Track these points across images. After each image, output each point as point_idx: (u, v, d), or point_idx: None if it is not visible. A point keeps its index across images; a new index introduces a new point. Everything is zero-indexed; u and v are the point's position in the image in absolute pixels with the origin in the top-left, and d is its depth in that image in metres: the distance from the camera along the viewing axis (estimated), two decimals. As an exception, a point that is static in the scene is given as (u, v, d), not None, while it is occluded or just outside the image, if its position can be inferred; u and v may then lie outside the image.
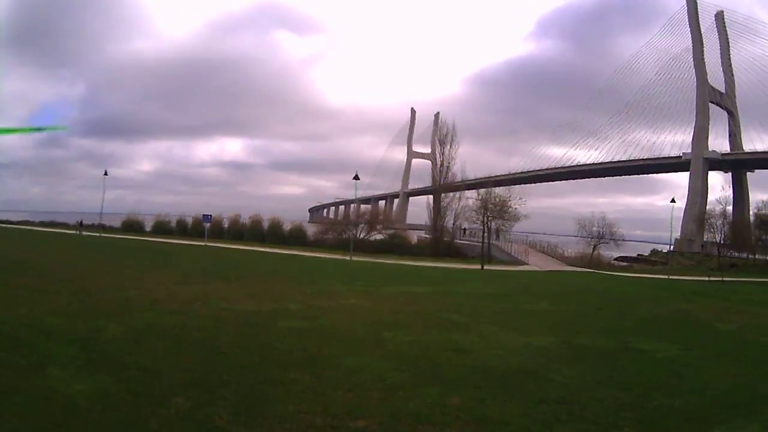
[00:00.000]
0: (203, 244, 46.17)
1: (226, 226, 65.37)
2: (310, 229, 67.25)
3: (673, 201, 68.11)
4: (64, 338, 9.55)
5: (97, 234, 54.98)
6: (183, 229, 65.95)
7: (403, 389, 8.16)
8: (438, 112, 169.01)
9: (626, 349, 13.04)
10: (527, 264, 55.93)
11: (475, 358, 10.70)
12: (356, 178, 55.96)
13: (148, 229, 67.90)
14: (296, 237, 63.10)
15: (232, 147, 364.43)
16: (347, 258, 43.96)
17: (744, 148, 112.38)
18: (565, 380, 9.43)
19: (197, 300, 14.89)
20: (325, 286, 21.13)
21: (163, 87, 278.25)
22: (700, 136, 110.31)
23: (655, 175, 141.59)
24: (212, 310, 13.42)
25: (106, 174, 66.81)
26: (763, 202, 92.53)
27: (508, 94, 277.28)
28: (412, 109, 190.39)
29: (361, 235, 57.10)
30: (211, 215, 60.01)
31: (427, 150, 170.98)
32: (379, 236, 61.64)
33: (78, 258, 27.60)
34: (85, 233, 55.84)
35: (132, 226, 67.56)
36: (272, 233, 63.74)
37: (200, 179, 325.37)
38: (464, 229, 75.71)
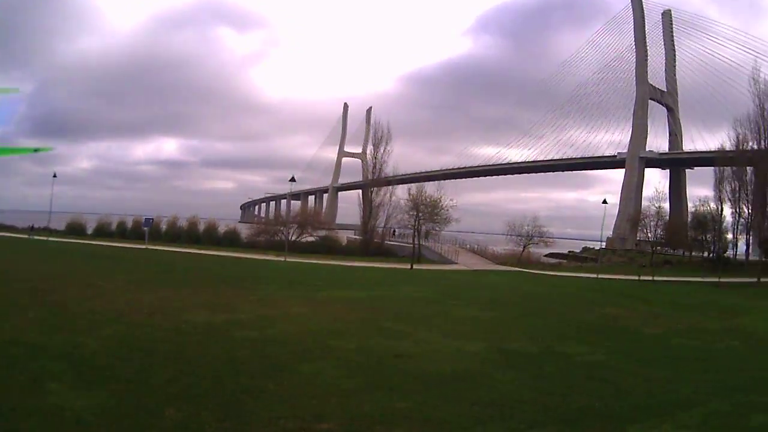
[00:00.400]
0: (144, 247, 45.92)
1: (164, 228, 65.07)
2: (243, 232, 67.30)
3: (604, 202, 67.87)
4: (50, 354, 9.96)
5: (45, 238, 54.90)
6: (123, 231, 65.59)
7: (355, 394, 8.89)
8: (370, 107, 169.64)
9: (552, 353, 13.69)
10: (456, 263, 56.35)
11: (413, 364, 11.38)
12: (292, 180, 56.43)
13: (90, 231, 67.54)
14: (230, 239, 63.63)
15: (168, 144, 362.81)
16: (282, 259, 44.32)
17: (684, 146, 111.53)
18: (495, 384, 10.18)
19: (156, 311, 15.26)
20: (269, 293, 21.51)
21: (106, 85, 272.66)
22: (638, 134, 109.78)
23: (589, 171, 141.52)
24: (172, 322, 13.88)
25: (55, 176, 66.30)
26: (700, 199, 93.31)
27: (443, 92, 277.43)
28: (345, 104, 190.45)
29: (293, 238, 57.36)
30: (152, 219, 60.31)
31: (359, 148, 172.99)
32: (310, 238, 61.78)
33: (39, 265, 27.48)
34: (35, 237, 55.88)
35: (75, 228, 67.13)
36: (208, 235, 64.16)
37: (137, 176, 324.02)
38: (394, 231, 75.62)
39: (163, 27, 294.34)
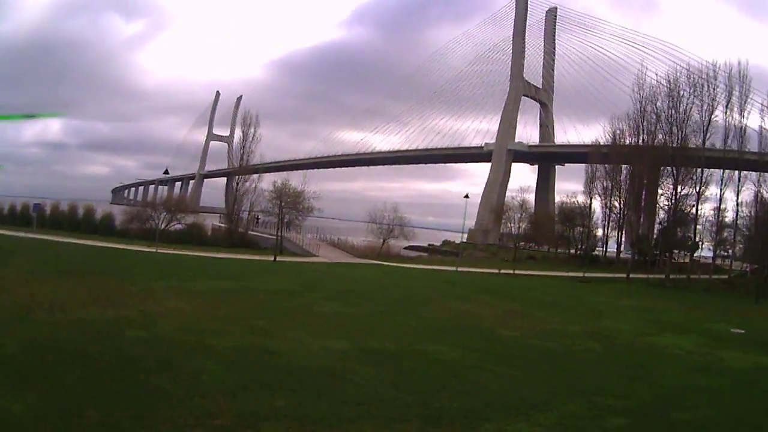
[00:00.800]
0: (32, 236, 44.13)
1: (48, 212, 64.88)
2: (118, 217, 66.79)
3: (467, 197, 66.37)
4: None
5: None
6: (13, 214, 65.17)
7: (240, 392, 9.29)
8: (240, 96, 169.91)
9: (412, 352, 13.92)
10: (317, 256, 56.91)
11: (286, 362, 11.75)
12: (166, 172, 56.89)
13: None
14: (106, 226, 63.79)
15: (54, 129, 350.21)
16: (153, 250, 44.23)
17: (556, 137, 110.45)
18: (360, 382, 10.59)
19: (56, 308, 15.35)
20: (149, 289, 21.49)
21: (4, 69, 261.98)
22: (507, 127, 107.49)
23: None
24: (71, 319, 14.07)
25: (-51, 159, 65.90)
26: (568, 195, 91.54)
27: (312, 79, 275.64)
28: (217, 92, 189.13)
29: (163, 225, 57.25)
30: (39, 204, 60.61)
31: (227, 134, 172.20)
32: (178, 226, 61.78)
33: None
34: None
35: None
36: (86, 221, 64.16)
37: (25, 159, 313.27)
38: (257, 218, 75.68)
39: (61, 12, 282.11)
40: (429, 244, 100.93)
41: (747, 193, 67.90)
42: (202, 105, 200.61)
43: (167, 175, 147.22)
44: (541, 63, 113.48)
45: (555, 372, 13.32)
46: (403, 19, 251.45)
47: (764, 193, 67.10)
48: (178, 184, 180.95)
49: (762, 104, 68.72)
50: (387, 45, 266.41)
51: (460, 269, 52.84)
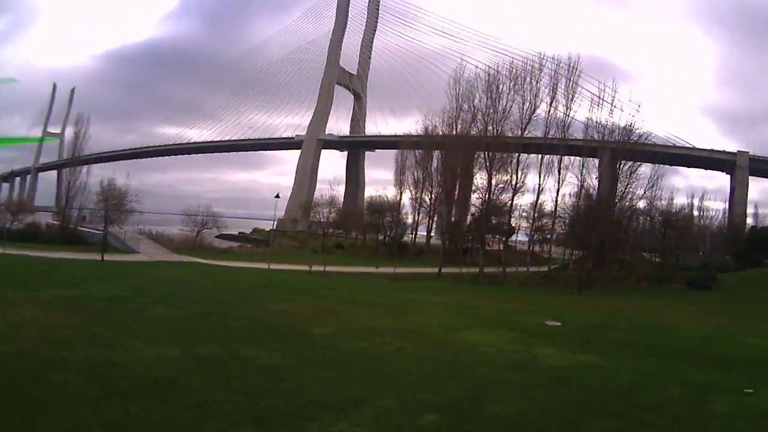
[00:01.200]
0: None
1: None
2: None
3: (277, 196, 65.52)
4: None
5: None
6: None
7: (100, 402, 9.40)
8: (73, 88, 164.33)
9: (236, 357, 13.64)
10: (139, 252, 58.75)
11: (128, 371, 11.61)
12: (11, 173, 56.10)
13: None
14: None
15: None
16: (2, 251, 43.29)
17: (369, 130, 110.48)
18: (196, 388, 10.48)
19: None
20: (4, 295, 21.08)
21: None
22: (319, 117, 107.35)
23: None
24: None
25: None
26: (377, 189, 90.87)
27: (140, 71, 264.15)
28: (53, 84, 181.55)
29: (7, 226, 58.03)
30: None
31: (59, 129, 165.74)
32: (20, 226, 62.48)
33: None
34: None
35: None
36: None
37: None
38: (84, 217, 75.72)
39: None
40: (239, 232, 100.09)
41: (569, 185, 65.02)
42: (44, 96, 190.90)
43: (5, 172, 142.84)
44: (359, 53, 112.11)
45: (367, 370, 13.05)
46: (227, 9, 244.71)
47: (589, 181, 64.99)
48: (18, 179, 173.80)
49: (593, 94, 68.07)
50: (211, 37, 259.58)
51: (272, 267, 52.91)
